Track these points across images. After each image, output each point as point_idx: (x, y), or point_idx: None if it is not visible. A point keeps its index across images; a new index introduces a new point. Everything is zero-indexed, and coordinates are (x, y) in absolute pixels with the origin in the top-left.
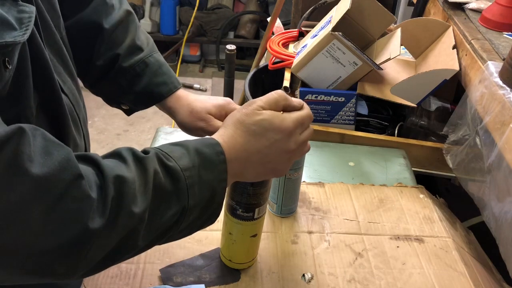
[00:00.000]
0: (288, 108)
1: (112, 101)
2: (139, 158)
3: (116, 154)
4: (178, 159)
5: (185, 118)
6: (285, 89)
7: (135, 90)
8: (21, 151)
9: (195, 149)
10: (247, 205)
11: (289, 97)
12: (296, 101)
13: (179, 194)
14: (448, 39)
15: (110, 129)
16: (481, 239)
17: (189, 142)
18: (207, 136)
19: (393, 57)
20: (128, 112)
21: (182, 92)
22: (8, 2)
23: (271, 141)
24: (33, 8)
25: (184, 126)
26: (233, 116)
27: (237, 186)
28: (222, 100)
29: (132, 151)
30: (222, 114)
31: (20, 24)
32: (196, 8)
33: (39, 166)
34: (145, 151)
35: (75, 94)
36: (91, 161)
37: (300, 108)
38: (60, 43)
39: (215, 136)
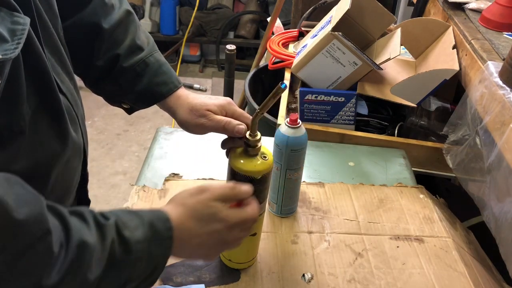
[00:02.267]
0: (238, 201)
1: (113, 101)
2: (100, 225)
3: (79, 214)
4: (133, 229)
5: (185, 116)
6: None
7: (136, 90)
8: (4, 201)
9: (149, 222)
10: None
11: (239, 191)
12: (246, 193)
13: (127, 265)
14: (448, 39)
15: (110, 129)
16: (481, 239)
17: (144, 214)
18: (159, 209)
19: (393, 57)
20: (129, 111)
21: (182, 92)
22: (3, 12)
23: (213, 229)
24: (27, 20)
25: (184, 125)
26: (185, 199)
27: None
28: (222, 99)
29: (93, 214)
30: (223, 114)
31: (13, 36)
32: (196, 8)
33: (18, 213)
34: (105, 217)
35: (73, 93)
36: (60, 217)
37: (249, 201)
38: (58, 43)
39: (167, 210)
